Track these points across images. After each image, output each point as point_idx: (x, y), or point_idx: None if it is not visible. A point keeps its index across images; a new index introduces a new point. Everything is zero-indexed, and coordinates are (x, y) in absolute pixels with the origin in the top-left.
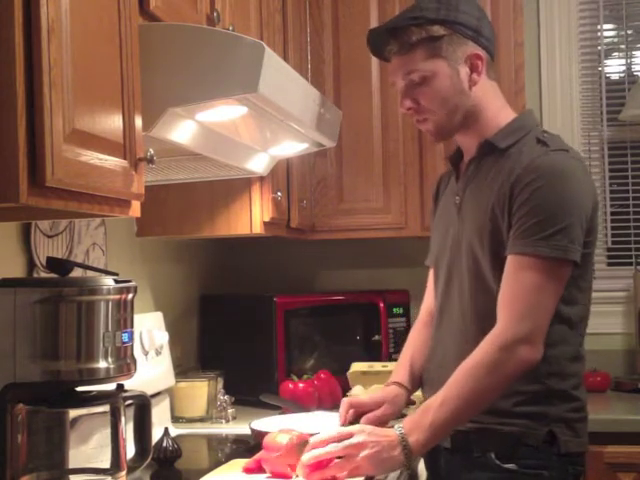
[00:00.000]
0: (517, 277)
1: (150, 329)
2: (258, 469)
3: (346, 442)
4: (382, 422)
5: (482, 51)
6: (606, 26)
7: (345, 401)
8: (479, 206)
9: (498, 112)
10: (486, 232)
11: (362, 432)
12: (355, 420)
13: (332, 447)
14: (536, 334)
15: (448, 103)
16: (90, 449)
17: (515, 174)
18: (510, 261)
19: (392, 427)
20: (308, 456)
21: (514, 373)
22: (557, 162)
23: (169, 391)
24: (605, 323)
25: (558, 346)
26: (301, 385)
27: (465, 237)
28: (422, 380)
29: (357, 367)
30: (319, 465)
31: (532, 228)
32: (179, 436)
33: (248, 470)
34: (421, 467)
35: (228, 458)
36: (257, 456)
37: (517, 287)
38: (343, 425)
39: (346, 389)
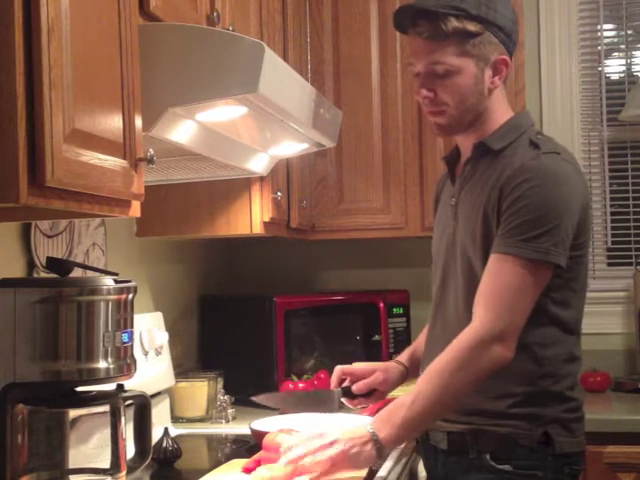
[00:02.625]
0: (497, 276)
1: (150, 329)
2: None
3: (318, 441)
4: (373, 390)
5: (508, 55)
6: (606, 26)
7: (338, 369)
8: (472, 207)
9: (502, 115)
10: (478, 234)
11: (334, 431)
12: (347, 388)
13: (305, 448)
14: (510, 333)
15: (466, 102)
16: (90, 449)
17: (505, 175)
18: (492, 260)
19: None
20: (283, 460)
21: (486, 370)
22: (547, 165)
23: (169, 391)
24: (605, 323)
25: (551, 348)
26: (301, 385)
27: (459, 239)
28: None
29: None
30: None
31: (517, 229)
32: (179, 436)
33: (248, 470)
34: (421, 467)
35: (228, 458)
36: (257, 456)
37: (496, 286)
38: None
39: None
